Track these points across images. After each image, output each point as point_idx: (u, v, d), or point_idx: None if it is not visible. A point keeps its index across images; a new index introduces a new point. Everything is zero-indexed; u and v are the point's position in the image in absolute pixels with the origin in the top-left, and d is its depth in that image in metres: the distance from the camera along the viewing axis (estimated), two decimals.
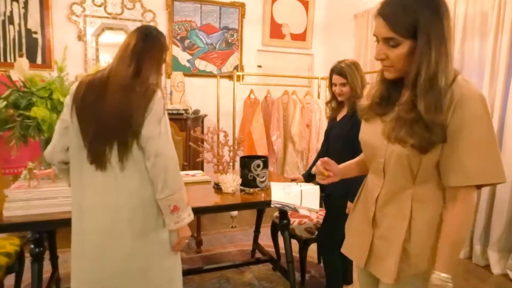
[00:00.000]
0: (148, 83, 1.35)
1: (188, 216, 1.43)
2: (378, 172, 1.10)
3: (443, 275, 0.97)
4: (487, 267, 2.84)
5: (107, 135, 1.31)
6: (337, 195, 2.05)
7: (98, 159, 1.32)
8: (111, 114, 1.30)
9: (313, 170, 1.30)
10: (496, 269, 2.78)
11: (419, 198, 1.04)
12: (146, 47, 1.39)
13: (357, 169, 1.31)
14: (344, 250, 1.27)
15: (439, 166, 0.99)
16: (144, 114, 1.30)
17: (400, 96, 1.04)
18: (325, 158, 1.26)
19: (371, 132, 1.12)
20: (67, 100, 1.40)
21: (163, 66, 1.46)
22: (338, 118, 2.18)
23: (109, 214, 1.35)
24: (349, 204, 2.03)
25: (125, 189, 1.33)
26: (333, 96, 2.18)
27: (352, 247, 1.24)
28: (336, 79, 2.10)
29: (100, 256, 1.36)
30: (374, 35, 1.02)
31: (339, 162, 1.34)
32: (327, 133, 2.28)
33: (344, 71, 2.06)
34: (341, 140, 2.09)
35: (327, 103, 2.31)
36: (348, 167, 1.31)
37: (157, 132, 1.32)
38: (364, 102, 1.16)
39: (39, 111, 1.68)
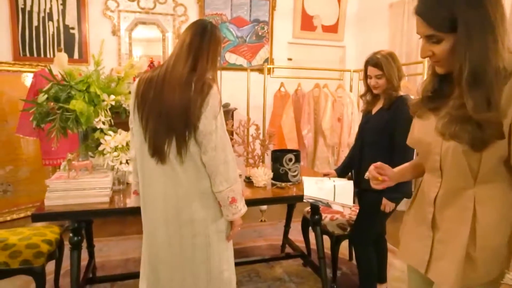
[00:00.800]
0: (205, 78, 1.36)
1: (243, 207, 1.48)
2: (435, 170, 1.04)
3: None
4: None
5: (166, 129, 1.34)
6: (372, 190, 1.98)
7: (158, 153, 1.36)
8: (169, 109, 1.33)
9: (367, 175, 1.25)
10: None
11: (482, 199, 0.96)
12: (202, 42, 1.40)
13: (412, 172, 1.24)
14: (401, 255, 1.20)
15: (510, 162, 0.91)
16: (201, 109, 1.32)
17: (453, 89, 0.97)
18: (379, 163, 1.22)
19: (424, 129, 1.06)
20: (130, 102, 1.45)
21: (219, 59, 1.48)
22: (374, 111, 2.10)
23: (169, 205, 1.40)
24: (384, 200, 1.96)
25: (184, 181, 1.38)
26: (368, 89, 2.10)
27: (410, 252, 1.15)
28: (372, 71, 2.01)
29: (164, 246, 1.42)
30: (417, 33, 0.98)
31: (373, 157, 1.29)
32: (362, 127, 2.20)
33: (380, 63, 1.98)
34: (377, 134, 2.01)
35: (361, 96, 2.23)
36: (403, 171, 1.25)
37: (214, 127, 1.34)
38: (415, 97, 1.10)
39: (78, 104, 1.73)
